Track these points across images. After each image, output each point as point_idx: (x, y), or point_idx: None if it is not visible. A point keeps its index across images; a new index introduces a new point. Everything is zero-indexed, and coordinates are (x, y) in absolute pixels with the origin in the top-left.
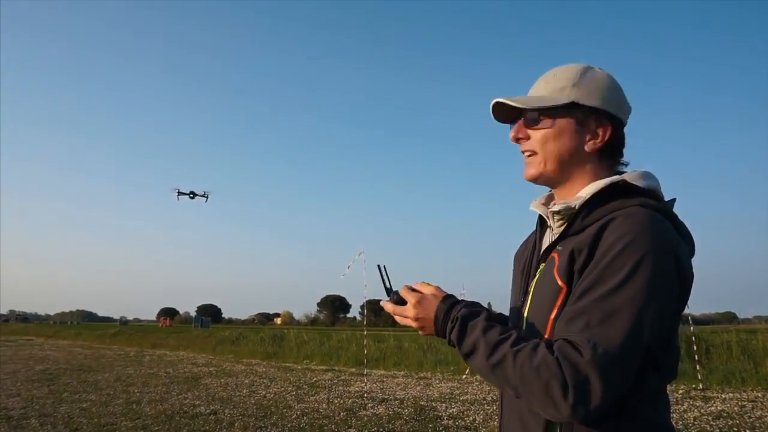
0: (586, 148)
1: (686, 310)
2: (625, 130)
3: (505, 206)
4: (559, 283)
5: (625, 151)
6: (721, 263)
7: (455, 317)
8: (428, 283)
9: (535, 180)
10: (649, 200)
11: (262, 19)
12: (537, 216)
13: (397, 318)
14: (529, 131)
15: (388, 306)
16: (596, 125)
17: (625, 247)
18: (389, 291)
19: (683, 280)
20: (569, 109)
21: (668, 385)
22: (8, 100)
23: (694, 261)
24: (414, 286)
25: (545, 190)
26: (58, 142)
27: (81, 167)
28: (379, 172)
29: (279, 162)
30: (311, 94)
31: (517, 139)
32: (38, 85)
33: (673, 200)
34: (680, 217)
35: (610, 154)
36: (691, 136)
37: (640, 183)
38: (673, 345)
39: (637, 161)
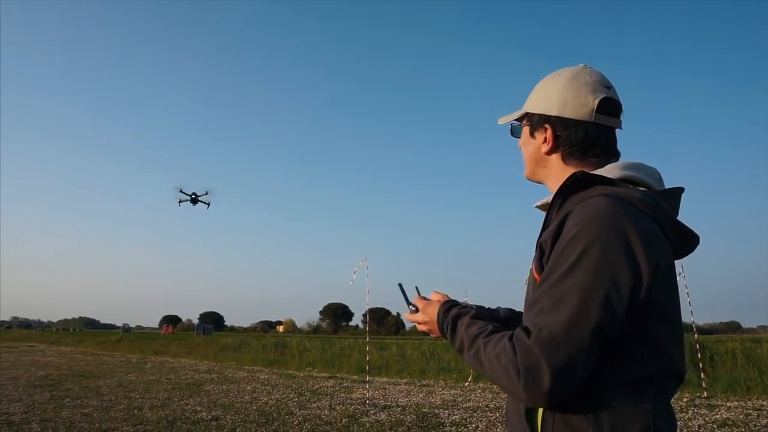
0: (542, 151)
1: (689, 319)
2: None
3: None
4: (536, 275)
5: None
6: (725, 273)
7: (448, 318)
8: (439, 292)
9: (529, 180)
10: (614, 189)
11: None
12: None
13: (416, 324)
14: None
15: (409, 316)
16: (543, 130)
17: (575, 235)
18: (410, 304)
19: (642, 265)
20: (526, 118)
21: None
22: (9, 105)
23: (699, 268)
24: (428, 297)
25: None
26: (60, 149)
27: (82, 175)
28: (384, 179)
29: (282, 170)
30: (314, 96)
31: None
32: (39, 92)
33: (670, 189)
34: (669, 205)
35: (577, 153)
36: (696, 143)
37: (614, 173)
38: (655, 334)
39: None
